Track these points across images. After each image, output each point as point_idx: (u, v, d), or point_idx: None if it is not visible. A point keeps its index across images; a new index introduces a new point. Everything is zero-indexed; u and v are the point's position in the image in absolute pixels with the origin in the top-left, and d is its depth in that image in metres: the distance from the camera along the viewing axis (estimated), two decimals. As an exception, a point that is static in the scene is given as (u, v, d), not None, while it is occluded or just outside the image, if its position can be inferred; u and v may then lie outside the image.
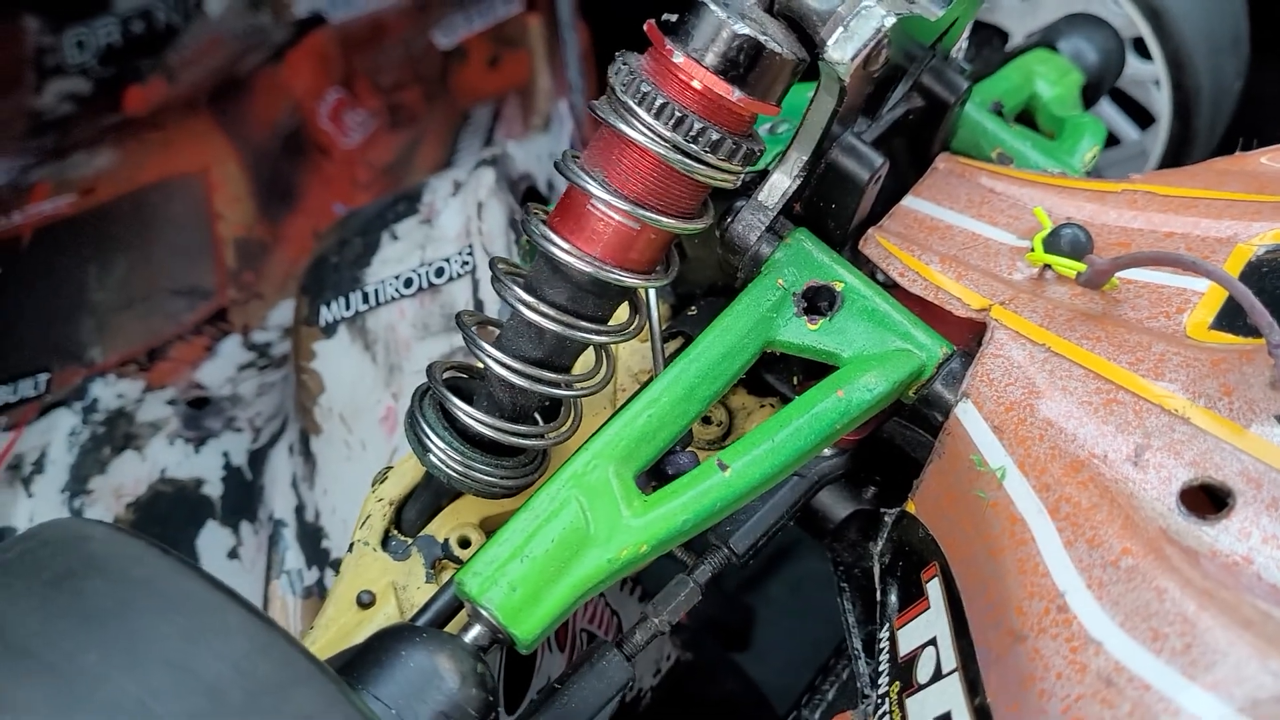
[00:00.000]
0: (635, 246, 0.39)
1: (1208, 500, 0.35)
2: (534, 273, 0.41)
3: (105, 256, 0.72)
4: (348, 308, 0.58)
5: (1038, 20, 0.72)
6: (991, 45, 0.75)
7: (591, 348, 0.43)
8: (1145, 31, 0.68)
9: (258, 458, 0.60)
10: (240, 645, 0.29)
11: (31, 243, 0.75)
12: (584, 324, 0.40)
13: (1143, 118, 0.77)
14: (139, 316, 0.70)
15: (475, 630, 0.37)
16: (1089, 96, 0.66)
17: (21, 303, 0.71)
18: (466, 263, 0.57)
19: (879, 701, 0.40)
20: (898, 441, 0.46)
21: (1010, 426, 0.38)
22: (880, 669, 0.41)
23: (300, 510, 0.56)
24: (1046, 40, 0.66)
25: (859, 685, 0.46)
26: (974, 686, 0.34)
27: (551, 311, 0.40)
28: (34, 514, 0.58)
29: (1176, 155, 0.73)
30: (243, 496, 0.59)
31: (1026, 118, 0.60)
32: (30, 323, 0.70)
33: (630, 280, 0.39)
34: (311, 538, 0.55)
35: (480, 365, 0.45)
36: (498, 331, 0.42)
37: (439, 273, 0.57)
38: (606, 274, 0.39)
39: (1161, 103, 0.72)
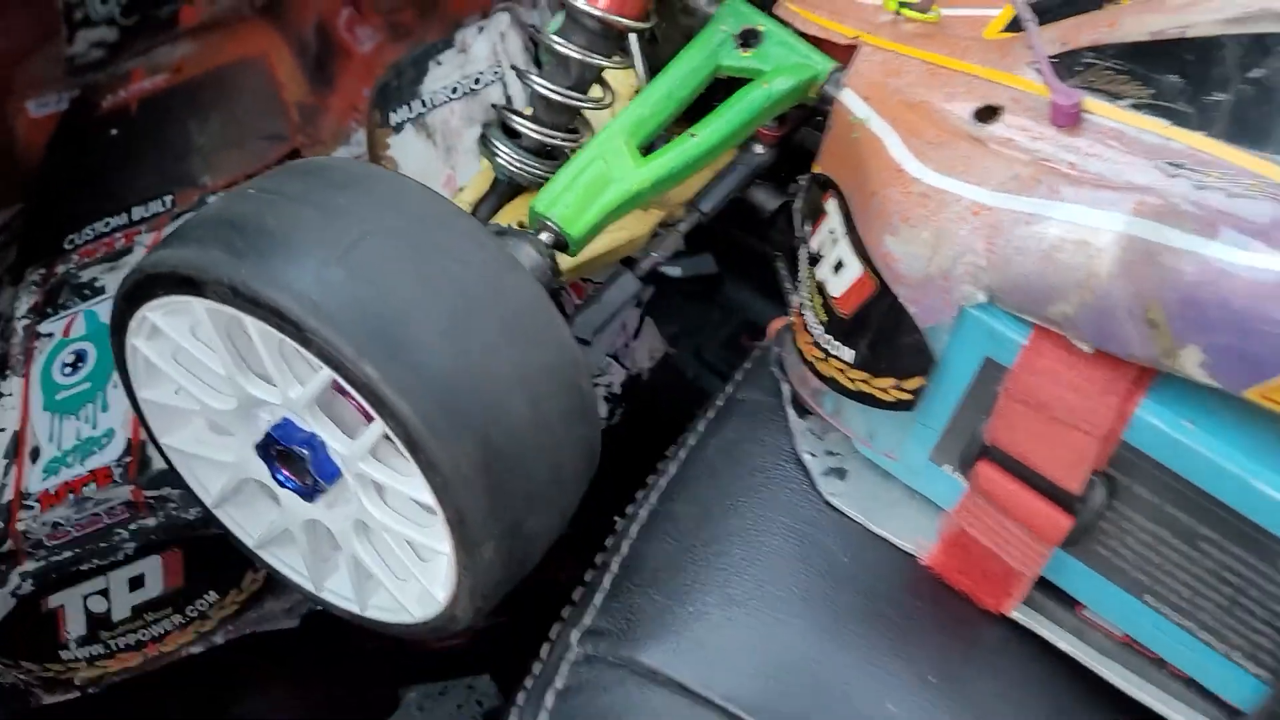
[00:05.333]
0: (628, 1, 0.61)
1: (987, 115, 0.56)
2: (562, 28, 0.62)
3: (201, 114, 0.93)
4: (410, 111, 0.79)
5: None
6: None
7: (597, 84, 0.64)
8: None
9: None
10: (427, 205, 0.50)
11: (139, 110, 0.95)
12: (597, 56, 0.61)
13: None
14: (236, 155, 0.90)
15: (544, 234, 0.58)
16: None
17: (140, 151, 0.91)
18: (496, 72, 0.78)
19: (798, 286, 0.62)
20: (809, 146, 0.67)
21: (874, 95, 0.59)
22: (800, 270, 0.63)
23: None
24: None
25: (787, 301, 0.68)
26: (852, 229, 0.56)
27: (575, 48, 0.61)
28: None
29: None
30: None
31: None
32: (150, 164, 0.90)
33: (627, 23, 0.61)
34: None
35: (523, 111, 0.66)
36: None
37: (476, 81, 0.78)
38: (611, 19, 0.60)
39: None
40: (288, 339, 0.47)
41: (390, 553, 0.55)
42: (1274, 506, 0.46)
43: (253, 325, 0.48)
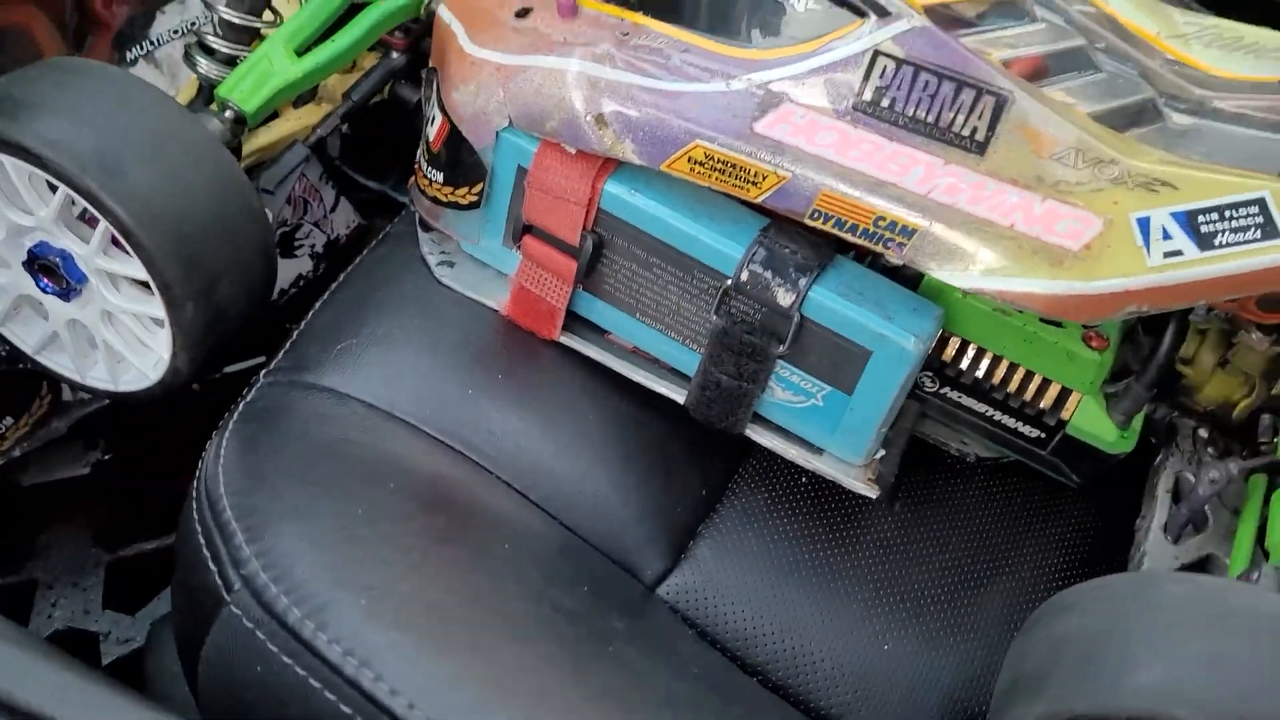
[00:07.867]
0: (281, -55, 0.86)
1: (523, 14, 0.84)
2: (234, -28, 0.87)
3: (-24, 70, 1.13)
4: (142, 49, 1.02)
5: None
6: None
7: (268, 9, 0.89)
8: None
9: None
10: (129, 83, 0.74)
11: (-78, 69, 1.15)
12: (263, -11, 0.87)
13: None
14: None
15: (227, 112, 0.83)
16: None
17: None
18: (208, 18, 1.02)
19: (422, 144, 0.88)
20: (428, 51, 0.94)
21: (456, 7, 0.86)
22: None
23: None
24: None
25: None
26: (439, 95, 0.82)
27: (246, -16, 0.86)
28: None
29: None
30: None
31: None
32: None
33: (282, -37, 0.86)
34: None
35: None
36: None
37: (193, 24, 1.02)
38: (270, -40, 0.86)
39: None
40: (35, 169, 0.70)
41: (129, 334, 0.79)
42: (684, 235, 0.75)
43: (9, 163, 0.71)
